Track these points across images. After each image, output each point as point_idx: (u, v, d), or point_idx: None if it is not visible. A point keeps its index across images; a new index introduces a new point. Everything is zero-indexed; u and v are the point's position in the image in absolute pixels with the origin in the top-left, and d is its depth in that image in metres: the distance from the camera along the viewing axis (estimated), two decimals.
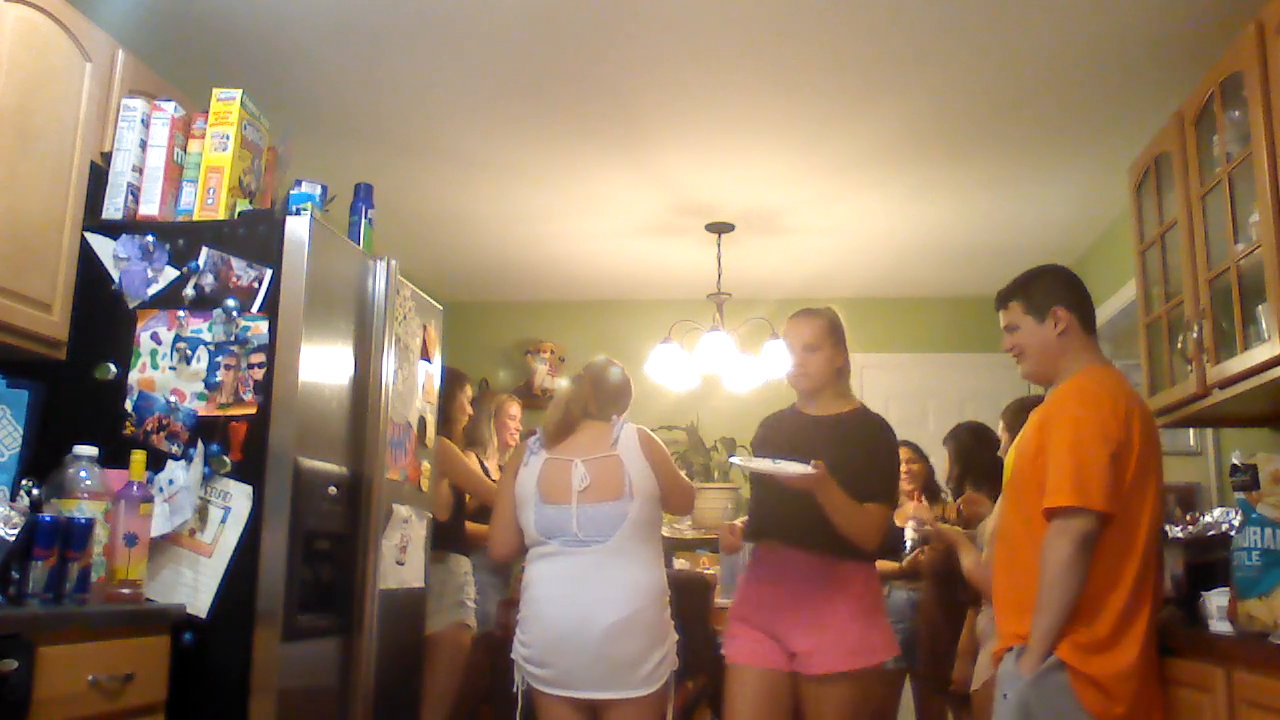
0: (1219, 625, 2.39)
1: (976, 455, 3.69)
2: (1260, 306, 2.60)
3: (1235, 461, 2.41)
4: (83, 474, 2.26)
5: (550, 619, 2.77)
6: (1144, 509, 2.26)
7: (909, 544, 4.21)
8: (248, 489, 2.40)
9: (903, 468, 4.37)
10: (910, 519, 4.17)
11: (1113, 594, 2.20)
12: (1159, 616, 2.35)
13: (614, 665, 2.72)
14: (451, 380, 4.06)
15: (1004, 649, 2.33)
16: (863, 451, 2.75)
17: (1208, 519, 2.80)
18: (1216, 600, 2.42)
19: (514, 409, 4.54)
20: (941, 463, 4.18)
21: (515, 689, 2.85)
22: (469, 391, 4.16)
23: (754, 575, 2.85)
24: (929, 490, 4.38)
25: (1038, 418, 2.39)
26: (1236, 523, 2.43)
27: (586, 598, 2.75)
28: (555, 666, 2.75)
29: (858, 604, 2.72)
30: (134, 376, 2.50)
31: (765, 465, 2.66)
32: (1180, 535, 2.81)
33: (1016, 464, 2.42)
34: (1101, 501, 2.19)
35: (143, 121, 2.65)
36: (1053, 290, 2.48)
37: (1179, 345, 3.10)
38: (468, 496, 4.06)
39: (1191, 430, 4.11)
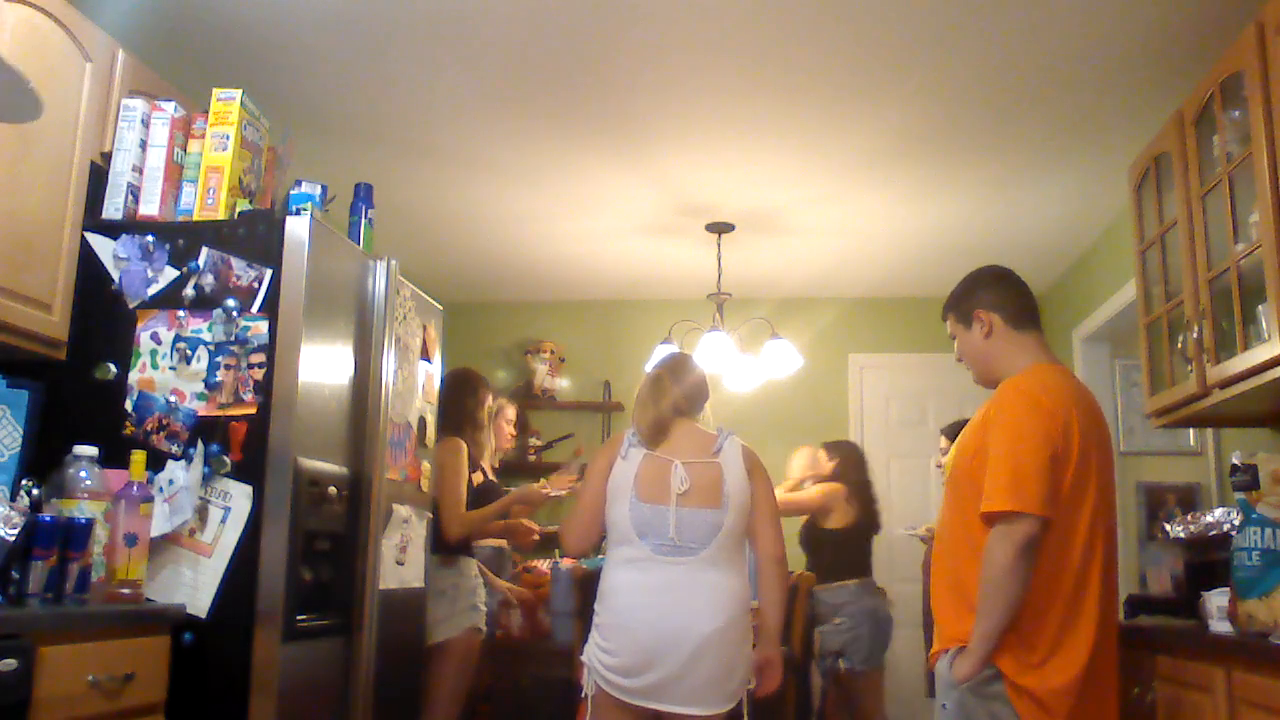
0: (1219, 625, 2.40)
1: None
2: (1260, 306, 2.60)
3: (1235, 461, 2.41)
4: (83, 474, 2.26)
5: (642, 629, 2.66)
6: (1080, 519, 2.20)
7: None
8: (248, 489, 2.40)
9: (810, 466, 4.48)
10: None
11: (1047, 616, 2.15)
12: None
13: (703, 679, 2.62)
14: (478, 383, 4.04)
15: (940, 651, 2.27)
16: None
17: (1208, 519, 2.81)
18: (1216, 600, 2.43)
19: (511, 412, 4.54)
20: (936, 459, 4.17)
21: (584, 695, 2.74)
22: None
23: None
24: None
25: (979, 416, 2.36)
26: (1236, 523, 2.44)
27: (679, 608, 2.66)
28: (645, 678, 2.64)
29: None
30: (134, 376, 2.50)
31: None
32: (1180, 535, 2.82)
33: (956, 462, 2.40)
34: (1040, 506, 2.13)
35: (143, 121, 2.65)
36: (973, 294, 2.50)
37: (1179, 345, 3.10)
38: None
39: (1191, 430, 4.11)
